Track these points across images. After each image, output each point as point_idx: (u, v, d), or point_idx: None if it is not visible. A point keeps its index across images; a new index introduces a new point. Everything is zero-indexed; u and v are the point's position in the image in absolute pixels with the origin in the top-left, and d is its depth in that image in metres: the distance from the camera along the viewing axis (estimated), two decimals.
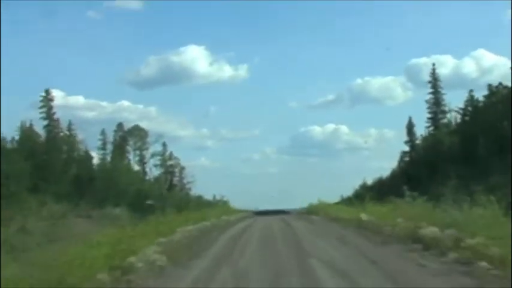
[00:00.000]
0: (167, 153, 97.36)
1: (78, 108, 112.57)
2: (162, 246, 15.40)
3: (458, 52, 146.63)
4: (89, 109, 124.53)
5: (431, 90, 78.84)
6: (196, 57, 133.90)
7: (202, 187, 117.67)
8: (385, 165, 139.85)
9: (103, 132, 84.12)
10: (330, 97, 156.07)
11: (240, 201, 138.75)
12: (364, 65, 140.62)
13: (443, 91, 78.92)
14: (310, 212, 49.12)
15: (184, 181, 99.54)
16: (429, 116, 78.97)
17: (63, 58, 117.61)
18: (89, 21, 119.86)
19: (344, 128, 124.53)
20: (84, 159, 66.13)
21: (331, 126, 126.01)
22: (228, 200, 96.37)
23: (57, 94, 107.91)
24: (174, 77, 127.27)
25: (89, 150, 76.99)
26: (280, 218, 44.41)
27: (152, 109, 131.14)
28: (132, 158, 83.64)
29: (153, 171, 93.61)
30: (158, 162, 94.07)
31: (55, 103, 70.05)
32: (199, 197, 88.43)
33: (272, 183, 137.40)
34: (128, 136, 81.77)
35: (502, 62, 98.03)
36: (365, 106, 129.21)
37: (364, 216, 22.41)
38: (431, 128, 78.33)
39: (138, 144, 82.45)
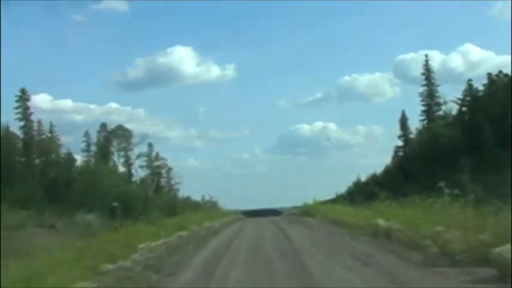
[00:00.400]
0: (153, 153, 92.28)
1: (67, 112, 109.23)
2: (100, 283, 9.88)
3: (446, 47, 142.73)
4: (77, 112, 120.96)
5: (424, 82, 74.06)
6: (183, 58, 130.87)
7: (191, 188, 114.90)
8: (375, 161, 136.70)
9: (86, 134, 78.64)
10: (318, 95, 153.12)
11: (229, 201, 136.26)
12: (352, 62, 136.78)
13: (436, 83, 74.39)
14: (305, 212, 43.91)
15: (172, 182, 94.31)
16: (423, 108, 74.12)
17: (50, 62, 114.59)
18: (75, 24, 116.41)
19: (332, 126, 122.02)
20: (64, 162, 60.61)
21: (319, 124, 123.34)
22: (217, 201, 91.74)
23: (45, 98, 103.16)
24: (161, 79, 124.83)
25: (73, 153, 72.41)
26: (272, 221, 39.75)
27: (140, 111, 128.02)
28: (117, 159, 77.77)
29: (139, 172, 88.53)
30: (144, 163, 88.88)
31: (43, 107, 66.65)
32: (187, 198, 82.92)
33: (262, 182, 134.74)
34: (112, 137, 76.02)
35: (489, 56, 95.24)
36: (353, 103, 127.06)
37: (382, 221, 16.81)
38: (425, 121, 73.52)
39: (123, 145, 76.73)
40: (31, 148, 52.00)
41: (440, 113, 72.18)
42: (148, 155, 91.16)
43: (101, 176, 49.99)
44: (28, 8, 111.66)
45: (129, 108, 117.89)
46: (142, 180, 79.87)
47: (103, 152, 77.26)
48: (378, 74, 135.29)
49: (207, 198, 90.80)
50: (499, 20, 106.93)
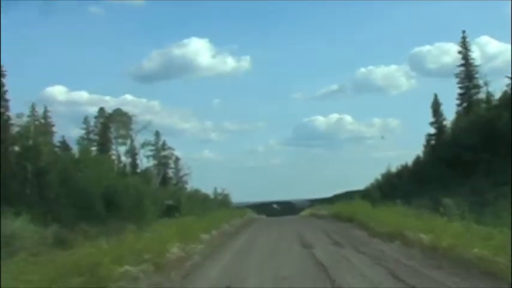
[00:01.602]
0: (160, 142, 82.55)
1: (82, 104, 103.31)
2: None
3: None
4: (93, 104, 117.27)
5: (461, 62, 63.34)
6: (199, 50, 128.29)
7: (206, 180, 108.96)
8: (391, 154, 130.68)
9: (86, 121, 68.70)
10: (334, 87, 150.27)
11: (242, 193, 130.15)
12: (368, 54, 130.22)
13: (475, 63, 63.66)
14: (340, 215, 31.94)
15: (181, 173, 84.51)
16: (460, 91, 63.46)
17: (65, 54, 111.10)
18: (91, 16, 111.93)
19: (348, 118, 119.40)
20: (49, 151, 50.53)
21: (335, 116, 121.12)
22: (229, 194, 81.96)
23: (60, 90, 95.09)
24: (177, 70, 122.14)
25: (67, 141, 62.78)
26: (300, 237, 24.22)
27: (155, 103, 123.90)
28: (116, 147, 67.67)
29: (144, 163, 78.79)
30: (150, 153, 79.09)
31: (58, 98, 58.91)
32: (196, 191, 72.82)
33: (276, 174, 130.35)
34: (110, 123, 65.91)
35: (506, 48, 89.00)
36: (368, 95, 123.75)
37: None
38: (463, 105, 62.92)
39: (121, 132, 66.47)
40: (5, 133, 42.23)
41: (480, 95, 61.54)
42: (155, 144, 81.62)
43: (83, 166, 39.90)
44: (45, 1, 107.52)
45: (144, 100, 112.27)
46: (143, 172, 69.79)
47: (102, 141, 67.44)
48: (393, 67, 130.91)
49: (219, 190, 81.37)
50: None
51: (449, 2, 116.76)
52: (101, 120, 66.23)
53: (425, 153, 63.36)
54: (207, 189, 78.41)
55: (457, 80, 63.52)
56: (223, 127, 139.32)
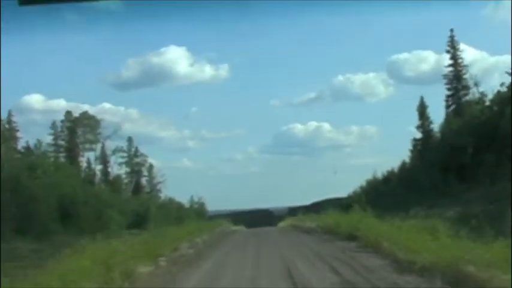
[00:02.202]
0: (133, 149, 77.34)
1: (60, 112, 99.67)
2: None
3: (439, 47, 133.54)
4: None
5: (450, 62, 59.15)
6: (177, 58, 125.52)
7: (183, 188, 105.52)
8: (369, 161, 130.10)
9: (53, 125, 63.20)
10: (312, 95, 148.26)
11: (222, 202, 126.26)
12: (346, 62, 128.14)
13: (464, 62, 59.49)
14: (336, 230, 24.56)
15: (155, 181, 79.30)
16: (449, 93, 59.26)
17: (42, 62, 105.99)
18: (68, 23, 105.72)
19: (326, 126, 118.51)
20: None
21: (313, 124, 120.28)
22: (204, 203, 76.93)
23: (37, 98, 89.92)
24: (155, 78, 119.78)
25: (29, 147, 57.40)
26: (291, 274, 14.88)
27: (133, 111, 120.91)
28: (83, 153, 62.20)
29: (116, 170, 73.56)
30: (122, 160, 73.88)
31: (35, 107, 54.13)
32: (170, 200, 67.66)
33: (254, 182, 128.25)
34: (76, 127, 60.47)
35: (483, 56, 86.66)
36: (347, 103, 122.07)
37: None
38: (452, 107, 58.75)
39: (89, 136, 61.05)
40: None
41: (469, 97, 57.34)
42: (128, 150, 76.44)
43: (39, 173, 34.61)
44: (20, 8, 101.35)
45: (122, 108, 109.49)
46: (113, 180, 64.48)
47: (70, 146, 62.09)
48: (371, 74, 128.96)
49: (195, 199, 76.27)
50: (493, 20, 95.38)
51: (428, 11, 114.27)
52: (67, 124, 60.81)
53: (412, 158, 59.03)
54: (184, 198, 73.68)
55: (444, 81, 59.38)
56: (201, 135, 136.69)
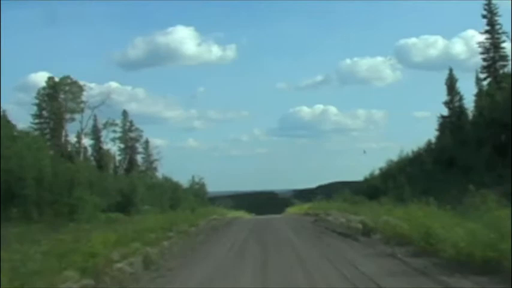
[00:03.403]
0: (127, 123, 68.87)
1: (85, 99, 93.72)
2: None
3: (448, 33, 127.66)
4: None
5: (486, 28, 50.18)
6: (184, 38, 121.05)
7: (188, 168, 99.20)
8: (375, 146, 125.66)
9: (39, 93, 54.07)
10: (319, 78, 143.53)
11: (226, 182, 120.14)
12: (353, 45, 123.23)
13: (500, 30, 50.41)
14: (408, 237, 13.30)
15: (151, 159, 70.82)
16: (485, 63, 50.36)
17: (49, 40, 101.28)
18: (76, 2, 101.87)
19: (333, 109, 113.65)
20: None
21: (319, 107, 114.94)
22: (205, 183, 68.17)
23: (44, 76, 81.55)
24: (162, 58, 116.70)
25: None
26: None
27: (140, 90, 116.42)
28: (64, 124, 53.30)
29: (110, 146, 65.27)
30: (115, 135, 65.47)
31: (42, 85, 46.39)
32: (167, 180, 58.92)
33: (259, 164, 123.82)
34: (57, 94, 51.58)
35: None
36: (353, 87, 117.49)
37: None
38: (487, 80, 49.94)
39: (71, 105, 52.19)
40: None
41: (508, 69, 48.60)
42: (123, 125, 67.93)
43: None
44: None
45: (129, 87, 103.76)
46: (98, 156, 56.00)
47: (51, 117, 53.37)
48: (379, 58, 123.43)
49: (196, 179, 67.61)
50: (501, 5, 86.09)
51: None
52: (48, 91, 51.82)
53: (440, 136, 50.26)
54: (186, 178, 65.04)
55: (480, 50, 50.43)
56: (207, 116, 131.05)
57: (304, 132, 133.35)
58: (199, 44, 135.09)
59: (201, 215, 32.94)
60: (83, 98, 52.25)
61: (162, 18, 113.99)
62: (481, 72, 50.01)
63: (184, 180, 62.80)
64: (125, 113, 68.62)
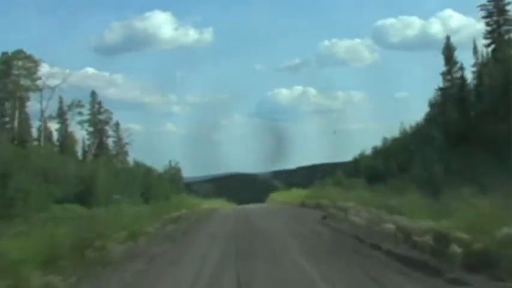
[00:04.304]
0: (96, 105, 62.10)
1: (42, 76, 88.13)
2: None
3: (425, 13, 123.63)
4: (53, 77, 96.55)
5: None
6: (161, 23, 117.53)
7: (166, 153, 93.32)
8: (354, 127, 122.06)
9: None
10: (297, 60, 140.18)
11: (203, 166, 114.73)
12: (331, 27, 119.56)
13: None
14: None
15: (122, 142, 64.07)
16: (489, 28, 44.53)
17: (26, 24, 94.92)
18: None
19: (312, 91, 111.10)
20: None
21: (298, 89, 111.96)
22: (180, 168, 61.44)
23: None
24: (139, 43, 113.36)
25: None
26: None
27: (118, 76, 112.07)
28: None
29: (77, 129, 58.58)
30: (82, 117, 58.78)
31: None
32: (138, 165, 52.34)
33: (238, 147, 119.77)
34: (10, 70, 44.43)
35: (470, 22, 78.90)
36: (332, 68, 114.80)
37: None
38: (491, 46, 44.17)
39: (24, 82, 45.10)
40: None
41: None
42: (92, 106, 61.16)
43: None
44: None
45: (106, 73, 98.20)
46: (62, 140, 49.28)
47: (4, 96, 46.35)
48: (357, 40, 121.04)
49: (173, 164, 60.96)
50: None
51: None
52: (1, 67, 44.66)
53: (439, 111, 44.36)
54: (164, 164, 58.42)
55: (482, 13, 44.62)
56: (186, 100, 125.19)
57: (283, 115, 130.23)
58: (176, 28, 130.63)
59: (165, 210, 26.14)
60: (40, 75, 45.25)
61: (138, 2, 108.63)
62: (485, 38, 44.32)
63: (161, 166, 56.60)
64: (93, 94, 61.91)
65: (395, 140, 40.53)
